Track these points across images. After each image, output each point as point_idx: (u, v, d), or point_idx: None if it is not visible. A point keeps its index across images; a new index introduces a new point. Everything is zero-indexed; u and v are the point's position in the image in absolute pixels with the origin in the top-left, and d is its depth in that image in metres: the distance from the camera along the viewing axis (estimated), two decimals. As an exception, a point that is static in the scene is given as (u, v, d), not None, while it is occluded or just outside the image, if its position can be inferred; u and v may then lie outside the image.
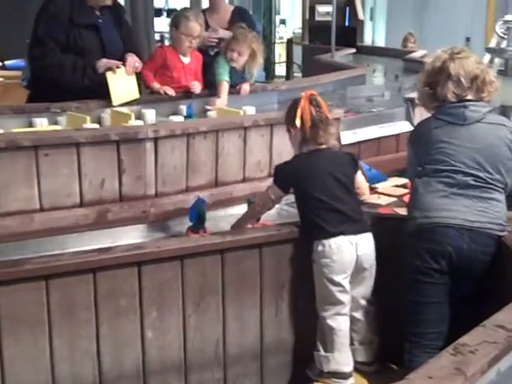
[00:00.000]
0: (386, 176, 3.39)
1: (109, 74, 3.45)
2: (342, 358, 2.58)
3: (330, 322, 2.57)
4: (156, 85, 3.82)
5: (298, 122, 2.61)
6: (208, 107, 3.77)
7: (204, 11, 4.78)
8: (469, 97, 2.56)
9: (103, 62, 3.50)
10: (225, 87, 3.90)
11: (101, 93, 3.48)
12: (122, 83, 3.51)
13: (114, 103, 3.45)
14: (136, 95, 3.59)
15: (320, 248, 2.53)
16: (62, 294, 2.26)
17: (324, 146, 2.64)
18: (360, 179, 2.75)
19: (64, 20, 3.52)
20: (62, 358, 2.29)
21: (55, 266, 2.25)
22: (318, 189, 2.57)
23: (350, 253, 2.53)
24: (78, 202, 2.75)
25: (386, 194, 3.20)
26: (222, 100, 3.84)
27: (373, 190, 3.11)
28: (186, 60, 4.00)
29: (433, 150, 2.52)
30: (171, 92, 3.80)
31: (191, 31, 3.89)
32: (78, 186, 2.74)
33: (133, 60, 3.63)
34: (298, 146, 2.68)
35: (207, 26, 4.51)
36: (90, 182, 2.74)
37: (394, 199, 3.14)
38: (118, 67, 3.49)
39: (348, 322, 2.60)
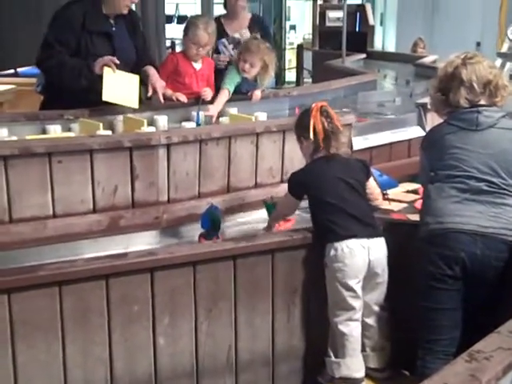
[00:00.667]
0: (397, 182, 3.37)
1: (106, 70, 3.43)
2: (354, 363, 2.58)
3: (341, 327, 2.56)
4: (168, 91, 3.83)
5: (311, 135, 2.64)
6: (205, 113, 3.74)
7: (220, 17, 4.83)
8: (482, 102, 2.55)
9: (99, 60, 3.46)
10: (223, 94, 3.84)
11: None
12: (119, 84, 3.46)
13: (104, 98, 3.40)
14: (133, 104, 3.53)
15: (332, 252, 2.54)
16: (75, 300, 2.27)
17: (336, 152, 2.67)
18: (372, 185, 2.76)
19: (76, 26, 3.54)
20: (74, 364, 2.30)
21: (68, 273, 2.26)
22: (328, 193, 2.59)
23: (362, 257, 2.53)
24: (91, 208, 2.77)
25: (397, 199, 3.19)
26: (215, 107, 3.77)
27: (383, 196, 3.10)
28: (197, 66, 4.01)
29: (446, 156, 2.51)
30: (183, 98, 3.81)
31: (198, 39, 3.90)
32: (91, 193, 2.75)
33: (161, 85, 3.67)
34: (309, 155, 2.72)
35: (224, 32, 4.57)
36: (103, 188, 2.76)
37: (405, 205, 3.13)
38: (114, 63, 3.45)
39: (360, 328, 2.60)
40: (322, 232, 2.60)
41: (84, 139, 2.89)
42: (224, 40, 4.59)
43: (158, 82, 3.68)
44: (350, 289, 2.54)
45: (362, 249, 2.53)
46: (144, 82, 3.69)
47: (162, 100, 3.69)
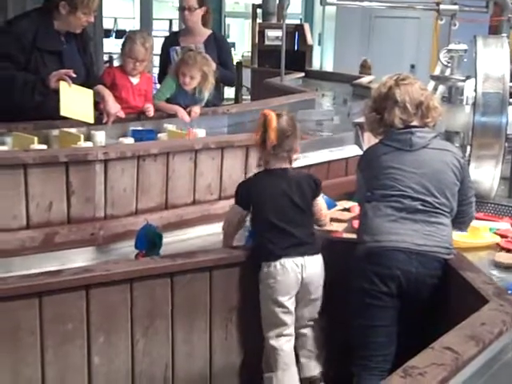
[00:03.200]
0: (335, 202, 3.41)
1: (62, 84, 3.36)
2: (286, 376, 2.57)
3: (272, 342, 2.57)
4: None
5: (258, 141, 2.61)
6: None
7: (178, 32, 4.93)
8: (414, 122, 2.62)
9: (54, 73, 3.39)
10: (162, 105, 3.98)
11: (56, 110, 3.36)
12: (75, 99, 3.41)
13: (62, 113, 3.35)
14: (89, 119, 3.49)
15: (265, 269, 2.56)
16: (5, 319, 2.20)
17: (286, 167, 2.64)
18: (319, 203, 2.72)
19: (26, 42, 3.44)
20: (5, 384, 2.23)
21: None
22: (271, 211, 2.59)
23: (294, 274, 2.55)
24: (25, 224, 2.69)
25: (335, 219, 3.22)
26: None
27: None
28: (134, 80, 3.98)
29: (381, 176, 2.57)
30: (121, 114, 3.77)
31: (134, 54, 3.88)
32: (25, 208, 2.68)
33: (115, 111, 3.63)
34: (263, 163, 2.68)
35: (177, 44, 4.61)
36: (37, 203, 2.69)
37: (346, 224, 3.16)
38: (68, 75, 3.38)
39: (292, 343, 2.61)
40: (259, 249, 2.60)
41: (17, 153, 2.82)
42: (177, 47, 4.59)
43: (113, 108, 3.63)
44: (281, 305, 2.55)
45: (295, 266, 2.55)
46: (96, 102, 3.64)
47: (110, 124, 3.64)
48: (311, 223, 2.70)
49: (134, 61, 3.90)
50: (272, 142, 2.56)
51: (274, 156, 2.61)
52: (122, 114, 3.75)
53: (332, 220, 3.16)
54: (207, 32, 4.71)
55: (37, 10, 3.64)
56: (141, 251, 2.73)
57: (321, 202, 2.74)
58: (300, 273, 2.55)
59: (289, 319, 2.58)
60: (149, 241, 2.73)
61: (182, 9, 4.63)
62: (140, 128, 3.77)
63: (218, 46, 4.67)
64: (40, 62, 3.48)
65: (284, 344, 2.58)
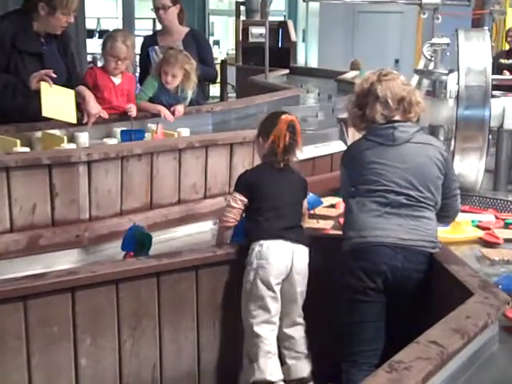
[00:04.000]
0: (321, 199, 3.41)
1: (43, 85, 3.34)
2: (267, 365, 2.55)
3: (257, 329, 2.56)
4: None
5: (268, 142, 2.70)
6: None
7: (157, 32, 4.88)
8: (396, 117, 2.62)
9: (34, 74, 3.36)
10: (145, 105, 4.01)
11: (38, 112, 3.33)
12: (56, 99, 3.38)
13: (44, 113, 3.33)
14: (71, 119, 3.48)
15: (258, 248, 2.57)
16: (-9, 323, 2.19)
17: (288, 163, 2.76)
18: (305, 203, 2.85)
19: (5, 45, 3.41)
20: (-9, 389, 2.22)
21: (-16, 295, 2.18)
22: (273, 195, 2.66)
23: (286, 258, 2.57)
24: (9, 227, 2.67)
25: (322, 215, 3.22)
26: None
27: (311, 215, 3.12)
28: (116, 81, 3.96)
29: (365, 171, 2.57)
30: (104, 114, 3.75)
31: (116, 52, 3.86)
32: (8, 211, 2.66)
33: (96, 112, 3.61)
34: (262, 156, 2.79)
35: (156, 44, 4.61)
36: (20, 206, 2.67)
37: (333, 222, 3.16)
38: (49, 76, 3.36)
39: (275, 332, 2.60)
40: (253, 228, 2.63)
41: (0, 156, 2.80)
42: (156, 47, 4.57)
43: (94, 109, 3.61)
44: (270, 287, 2.55)
45: (287, 250, 2.58)
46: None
47: (90, 125, 3.62)
48: (301, 217, 2.77)
49: (115, 59, 3.88)
50: (299, 144, 2.73)
51: (286, 154, 2.71)
52: (105, 115, 3.73)
53: (319, 217, 3.17)
54: (185, 30, 4.68)
55: (16, 11, 3.61)
56: (128, 252, 2.72)
57: (305, 202, 2.86)
58: (291, 259, 2.58)
59: (275, 306, 2.57)
60: (136, 242, 2.72)
61: (156, 9, 4.59)
62: (127, 128, 3.75)
63: (197, 42, 4.64)
64: (20, 64, 3.46)
65: (268, 332, 2.57)
